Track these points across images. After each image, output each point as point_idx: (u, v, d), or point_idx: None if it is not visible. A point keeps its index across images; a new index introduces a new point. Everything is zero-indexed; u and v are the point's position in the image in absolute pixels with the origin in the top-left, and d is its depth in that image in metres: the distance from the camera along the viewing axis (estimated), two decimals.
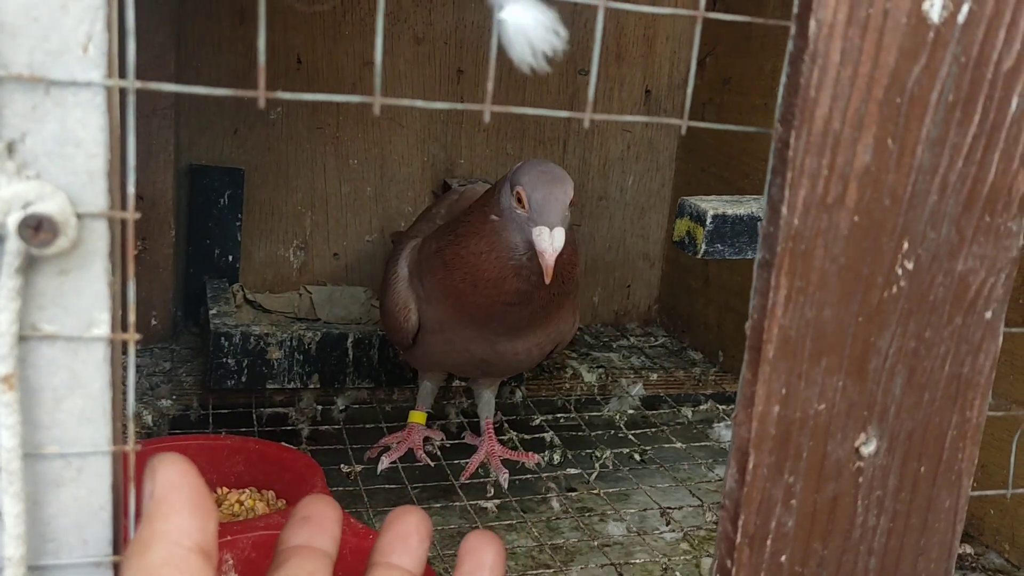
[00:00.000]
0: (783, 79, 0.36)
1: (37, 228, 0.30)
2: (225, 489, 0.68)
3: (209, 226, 1.07)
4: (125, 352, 0.32)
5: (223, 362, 0.90)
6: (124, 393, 0.33)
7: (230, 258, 1.08)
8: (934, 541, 0.42)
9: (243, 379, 0.91)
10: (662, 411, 1.01)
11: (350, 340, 0.94)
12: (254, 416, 0.89)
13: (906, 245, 0.37)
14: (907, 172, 0.37)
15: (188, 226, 1.07)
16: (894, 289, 0.38)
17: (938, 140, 0.37)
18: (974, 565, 0.75)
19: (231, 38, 1.04)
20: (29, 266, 0.30)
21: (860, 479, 0.40)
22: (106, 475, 0.33)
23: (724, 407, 1.01)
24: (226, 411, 0.90)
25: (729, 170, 1.08)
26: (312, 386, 0.93)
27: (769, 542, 0.39)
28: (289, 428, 0.88)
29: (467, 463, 0.85)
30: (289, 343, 0.92)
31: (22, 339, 0.31)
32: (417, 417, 0.89)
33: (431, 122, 1.13)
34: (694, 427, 0.98)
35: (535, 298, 0.73)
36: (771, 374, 0.37)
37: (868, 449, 0.39)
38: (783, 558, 0.39)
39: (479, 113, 1.18)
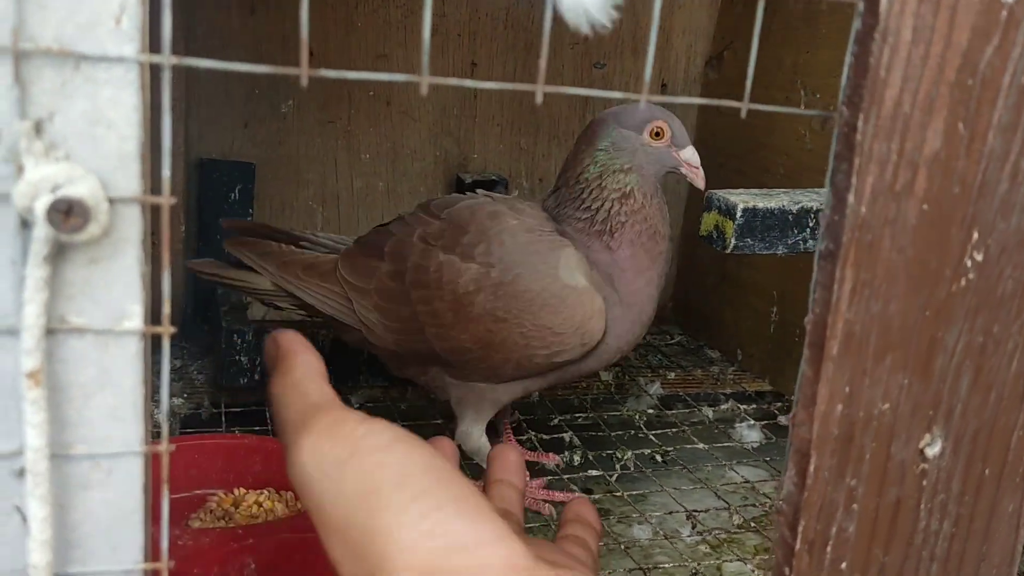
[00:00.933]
0: (848, 59, 0.34)
1: (67, 213, 0.28)
2: (243, 490, 0.66)
3: (220, 221, 1.05)
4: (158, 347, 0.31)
5: (235, 359, 0.88)
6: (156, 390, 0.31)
7: None
8: (996, 547, 0.40)
9: (256, 377, 0.89)
10: (681, 410, 1.00)
11: None
12: (267, 415, 0.87)
13: (975, 236, 0.36)
14: (977, 159, 0.35)
15: (199, 220, 1.05)
16: (962, 282, 0.36)
17: (1010, 125, 0.35)
18: None
19: (240, 30, 1.02)
20: (57, 254, 0.29)
21: (924, 482, 0.38)
22: (137, 477, 0.31)
23: (745, 407, 0.99)
24: (238, 409, 0.88)
25: (748, 164, 1.06)
26: None
27: (829, 548, 0.37)
28: None
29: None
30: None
31: (49, 332, 0.29)
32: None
33: (444, 116, 1.12)
34: (715, 427, 0.96)
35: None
36: (834, 372, 0.35)
37: (933, 451, 0.37)
38: (843, 565, 0.37)
39: (492, 107, 1.17)
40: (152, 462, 0.32)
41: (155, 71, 0.29)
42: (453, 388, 0.78)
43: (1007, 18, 0.34)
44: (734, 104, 0.35)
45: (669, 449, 0.90)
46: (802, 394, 0.36)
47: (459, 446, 0.57)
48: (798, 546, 0.36)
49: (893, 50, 0.33)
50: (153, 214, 0.30)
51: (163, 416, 0.31)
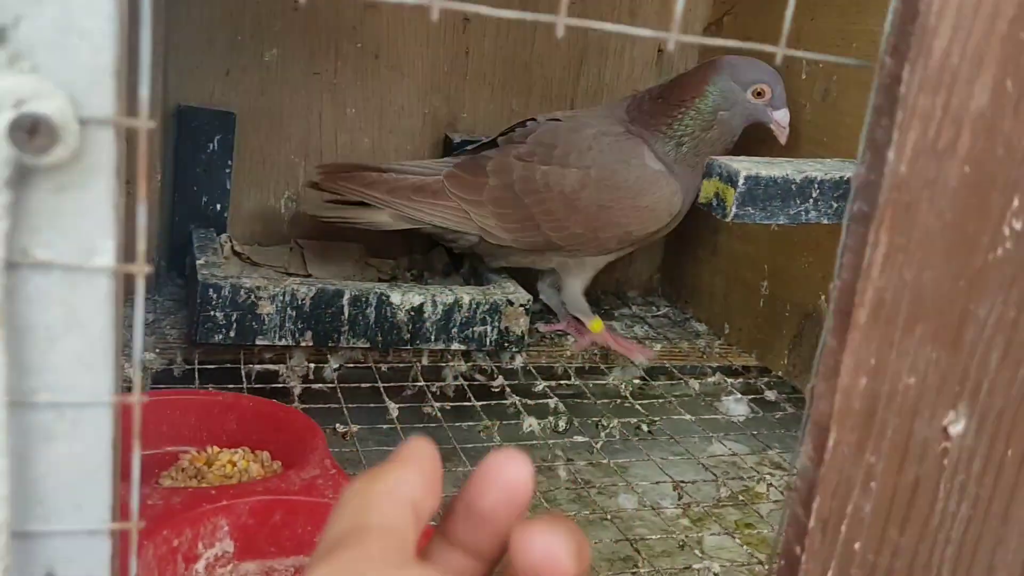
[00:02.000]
0: (893, 4, 0.31)
1: (32, 132, 0.24)
2: (216, 448, 0.64)
3: (197, 172, 1.01)
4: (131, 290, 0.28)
5: (211, 315, 0.85)
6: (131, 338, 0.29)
7: (218, 207, 1.03)
8: (1014, 531, 0.38)
9: (231, 334, 0.86)
10: (667, 382, 0.98)
11: (346, 297, 0.89)
12: (243, 373, 0.85)
13: (1016, 202, 0.33)
14: None
15: (175, 171, 1.01)
16: (999, 251, 0.34)
17: None
18: None
19: None
20: (21, 179, 0.25)
21: (945, 461, 0.36)
22: (105, 429, 0.28)
23: (731, 380, 0.97)
24: (212, 367, 0.85)
25: (746, 136, 1.03)
26: (304, 344, 0.88)
27: (844, 528, 0.35)
28: (279, 386, 0.84)
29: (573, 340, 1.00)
30: (282, 297, 0.87)
31: (11, 266, 0.26)
32: (598, 324, 0.99)
33: (434, 72, 1.08)
34: (702, 399, 0.94)
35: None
36: (861, 342, 0.33)
37: (956, 429, 0.35)
38: (857, 545, 0.35)
39: (485, 66, 1.13)
40: (122, 415, 0.29)
41: None
42: (560, 262, 0.97)
43: None
44: (771, 48, 0.32)
45: (655, 419, 0.89)
46: (824, 365, 0.34)
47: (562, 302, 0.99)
48: (811, 524, 0.34)
49: None
50: (128, 165, 0.27)
51: (136, 365, 0.28)
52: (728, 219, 0.68)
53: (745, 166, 0.68)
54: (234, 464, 0.62)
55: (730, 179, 0.68)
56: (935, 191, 0.32)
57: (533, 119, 0.98)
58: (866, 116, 0.32)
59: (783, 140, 0.92)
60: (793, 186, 0.67)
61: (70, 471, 0.28)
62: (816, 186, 0.68)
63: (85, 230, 0.26)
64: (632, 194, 0.91)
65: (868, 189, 0.32)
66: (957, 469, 0.36)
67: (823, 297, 0.91)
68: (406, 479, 0.29)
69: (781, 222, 0.68)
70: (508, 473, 0.29)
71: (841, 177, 0.68)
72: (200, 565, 0.50)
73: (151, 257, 0.99)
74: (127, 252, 0.27)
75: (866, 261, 0.32)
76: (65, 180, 0.26)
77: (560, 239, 0.94)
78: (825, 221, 0.69)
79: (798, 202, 0.68)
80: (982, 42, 0.31)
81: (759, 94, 0.91)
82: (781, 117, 0.92)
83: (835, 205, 0.68)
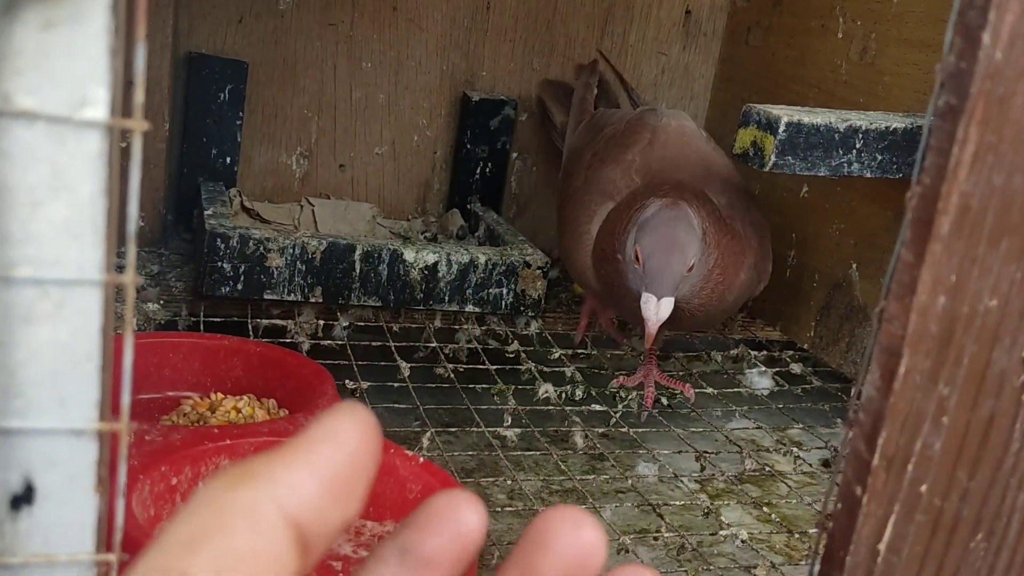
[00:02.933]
0: None
1: None
2: (220, 395, 0.60)
3: (207, 123, 0.98)
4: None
5: (218, 266, 0.82)
6: (126, 207, 0.25)
7: (228, 160, 0.99)
8: None
9: (239, 287, 0.83)
10: (689, 354, 0.94)
11: (358, 252, 0.86)
12: (249, 327, 0.81)
13: None
14: None
15: (184, 121, 0.97)
16: None
17: None
18: None
19: None
20: (5, 10, 0.22)
21: (1023, 397, 0.32)
22: (95, 313, 0.25)
23: (755, 353, 0.94)
24: (219, 320, 0.82)
25: (775, 98, 0.99)
26: (314, 300, 0.85)
27: (911, 467, 0.32)
28: (287, 341, 0.80)
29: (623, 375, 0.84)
30: (291, 251, 0.83)
31: None
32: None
33: (453, 27, 1.04)
34: (724, 371, 0.91)
35: (675, 320, 0.71)
36: (942, 255, 0.29)
37: None
38: (923, 487, 0.32)
39: (506, 22, 1.09)
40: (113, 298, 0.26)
41: None
42: None
43: None
44: None
45: (676, 393, 0.85)
46: (897, 282, 0.30)
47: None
48: (875, 462, 0.31)
49: None
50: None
51: (129, 238, 0.25)
52: (766, 168, 0.65)
53: (787, 112, 0.64)
54: (239, 411, 0.59)
55: (769, 126, 0.64)
56: None
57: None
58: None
59: (647, 342, 0.70)
60: (836, 135, 0.64)
61: (53, 360, 0.25)
62: (860, 136, 0.64)
63: (76, 75, 0.23)
64: (569, 233, 0.82)
65: (958, 79, 0.28)
66: None
67: (854, 265, 0.88)
68: (289, 484, 0.20)
69: (822, 173, 0.65)
70: (460, 515, 0.21)
71: (887, 127, 0.64)
72: None
73: (157, 219, 0.96)
74: (124, 105, 0.24)
75: (953, 161, 0.28)
76: (54, 15, 0.22)
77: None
78: (868, 175, 0.65)
79: (841, 152, 0.64)
80: None
81: (636, 257, 0.69)
82: (644, 305, 0.67)
83: (879, 158, 0.65)
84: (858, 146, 0.64)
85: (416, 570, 0.21)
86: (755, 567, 0.62)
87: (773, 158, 0.63)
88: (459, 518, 0.21)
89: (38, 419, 0.25)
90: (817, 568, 0.33)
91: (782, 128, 0.63)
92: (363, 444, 0.20)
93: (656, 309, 0.67)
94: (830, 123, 0.64)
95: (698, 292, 0.71)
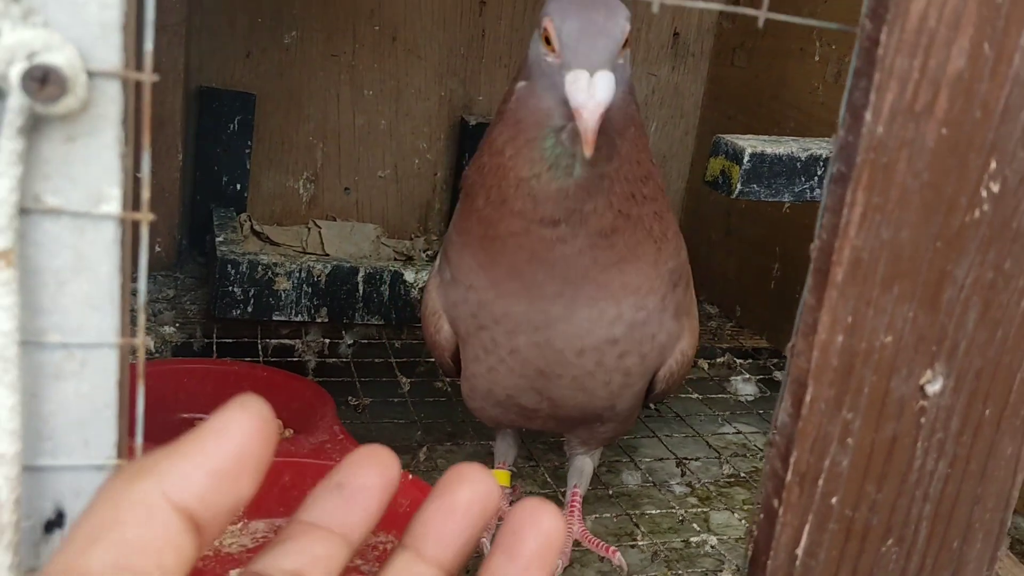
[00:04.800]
0: None
1: (43, 82, 0.26)
2: None
3: (218, 152, 1.03)
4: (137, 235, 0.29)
5: (229, 291, 0.87)
6: (135, 282, 0.30)
7: (238, 187, 1.05)
8: (991, 490, 0.39)
9: (249, 309, 0.88)
10: None
11: (361, 274, 0.91)
12: (259, 347, 0.87)
13: (993, 165, 0.34)
14: (1001, 82, 0.33)
15: (196, 151, 1.03)
16: (976, 213, 0.35)
17: None
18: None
19: None
20: (34, 129, 0.27)
21: (922, 419, 0.37)
22: (112, 370, 0.30)
23: (741, 361, 0.98)
24: (231, 341, 0.87)
25: (758, 119, 1.04)
26: (320, 320, 0.90)
27: (821, 482, 0.36)
28: (295, 360, 0.86)
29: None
30: (298, 274, 0.89)
31: (23, 212, 0.28)
32: (499, 477, 0.67)
33: (450, 55, 1.09)
34: (711, 380, 0.95)
35: (588, 212, 0.50)
36: (838, 300, 0.34)
37: (934, 388, 0.36)
38: (834, 500, 0.36)
39: (500, 48, 1.14)
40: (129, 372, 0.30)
41: None
42: None
43: None
44: (752, 12, 0.33)
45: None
46: (803, 322, 0.35)
47: None
48: (789, 478, 0.36)
49: None
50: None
51: (140, 306, 0.30)
52: (733, 196, 0.69)
53: (751, 143, 0.69)
54: None
55: (735, 156, 0.69)
56: (913, 152, 0.33)
57: None
58: (848, 80, 0.33)
59: (587, 145, 0.44)
60: (798, 164, 0.68)
61: (78, 409, 0.30)
62: (821, 164, 0.69)
63: (93, 178, 0.28)
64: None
65: (846, 150, 0.33)
66: (935, 427, 0.37)
67: None
68: (178, 475, 0.22)
69: (786, 200, 0.69)
70: (385, 459, 0.26)
71: None
72: None
73: (172, 243, 1.02)
74: (134, 201, 0.29)
75: (844, 220, 0.33)
76: (74, 131, 0.28)
77: None
78: None
79: (803, 180, 0.69)
80: (959, 5, 0.32)
81: (546, 40, 0.48)
82: (572, 87, 0.45)
83: None
84: (819, 173, 0.69)
85: (350, 500, 0.26)
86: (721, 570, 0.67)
87: (739, 186, 0.68)
88: (384, 462, 0.27)
89: (66, 458, 0.30)
90: (746, 571, 0.38)
91: (746, 158, 0.67)
92: (252, 436, 0.23)
93: (590, 87, 0.44)
94: (792, 152, 0.68)
95: (619, 119, 0.49)
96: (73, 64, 0.26)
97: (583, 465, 0.67)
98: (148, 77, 0.27)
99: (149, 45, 0.27)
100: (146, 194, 0.28)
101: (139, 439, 0.30)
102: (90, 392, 0.30)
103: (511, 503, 0.68)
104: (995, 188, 0.34)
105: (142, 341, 0.30)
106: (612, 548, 0.63)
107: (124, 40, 0.27)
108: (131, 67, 0.28)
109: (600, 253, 0.51)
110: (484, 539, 0.63)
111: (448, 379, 0.87)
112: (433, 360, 0.91)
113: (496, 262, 0.52)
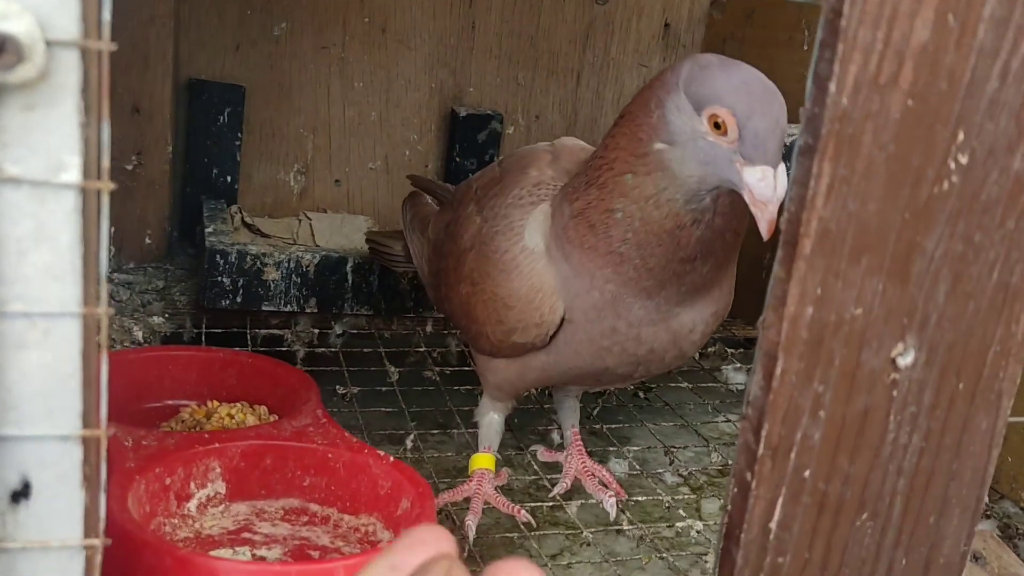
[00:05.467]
0: None
1: (0, 50, 0.26)
2: (216, 403, 0.66)
3: (208, 144, 1.03)
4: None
5: (218, 281, 0.87)
6: (98, 252, 0.30)
7: (228, 179, 1.05)
8: (967, 465, 0.39)
9: (238, 299, 0.88)
10: None
11: (350, 265, 0.91)
12: (248, 337, 0.87)
13: (961, 136, 0.34)
14: (967, 53, 0.33)
15: (186, 143, 1.03)
16: (945, 185, 0.35)
17: (1002, 20, 0.33)
18: (988, 513, 0.73)
19: None
20: None
21: (894, 392, 0.37)
22: (75, 339, 0.30)
23: (733, 351, 0.98)
24: (220, 331, 0.87)
25: None
26: (309, 310, 0.91)
27: (793, 455, 0.36)
28: (284, 350, 0.86)
29: (558, 480, 0.71)
30: (287, 264, 0.89)
31: None
32: (483, 461, 0.68)
33: (440, 46, 1.09)
34: (701, 368, 0.95)
35: (717, 248, 0.59)
36: (806, 272, 0.34)
37: (905, 360, 0.36)
38: (807, 473, 0.36)
39: (491, 39, 1.14)
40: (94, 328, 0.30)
41: None
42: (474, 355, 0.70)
43: None
44: None
45: (652, 387, 0.90)
46: (773, 296, 0.35)
47: None
48: (761, 451, 0.36)
49: None
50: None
51: (101, 279, 0.30)
52: None
53: None
54: (232, 417, 0.64)
55: None
56: (878, 124, 0.33)
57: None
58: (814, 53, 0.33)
59: (767, 232, 0.53)
60: (783, 149, 0.68)
61: (42, 379, 0.30)
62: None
63: (52, 147, 0.28)
64: (494, 273, 0.62)
65: (812, 122, 0.33)
66: (907, 401, 0.37)
67: None
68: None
69: None
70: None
71: None
72: (192, 504, 0.52)
73: (162, 235, 1.02)
74: (96, 169, 0.29)
75: (811, 192, 0.33)
76: (33, 99, 0.28)
77: (443, 312, 0.72)
78: None
79: (787, 165, 0.69)
80: None
81: (716, 125, 0.53)
82: (759, 184, 0.52)
83: None
84: None
85: None
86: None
87: None
88: (437, 543, 0.27)
89: (31, 427, 0.30)
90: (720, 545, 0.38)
91: None
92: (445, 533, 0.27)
93: (775, 184, 0.52)
94: None
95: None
96: (31, 33, 0.26)
97: (574, 405, 0.74)
98: (106, 46, 0.27)
99: (107, 15, 0.27)
100: (105, 162, 0.28)
101: (103, 410, 0.30)
102: (53, 362, 0.30)
103: (496, 488, 0.68)
104: (963, 160, 0.34)
105: (105, 310, 0.30)
106: (617, 486, 0.71)
107: (83, 10, 0.27)
108: (91, 36, 0.28)
109: (714, 272, 0.62)
110: (469, 521, 0.64)
111: (438, 368, 0.87)
112: (423, 350, 0.91)
113: (632, 288, 0.60)
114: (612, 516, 0.68)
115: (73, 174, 0.28)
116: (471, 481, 0.67)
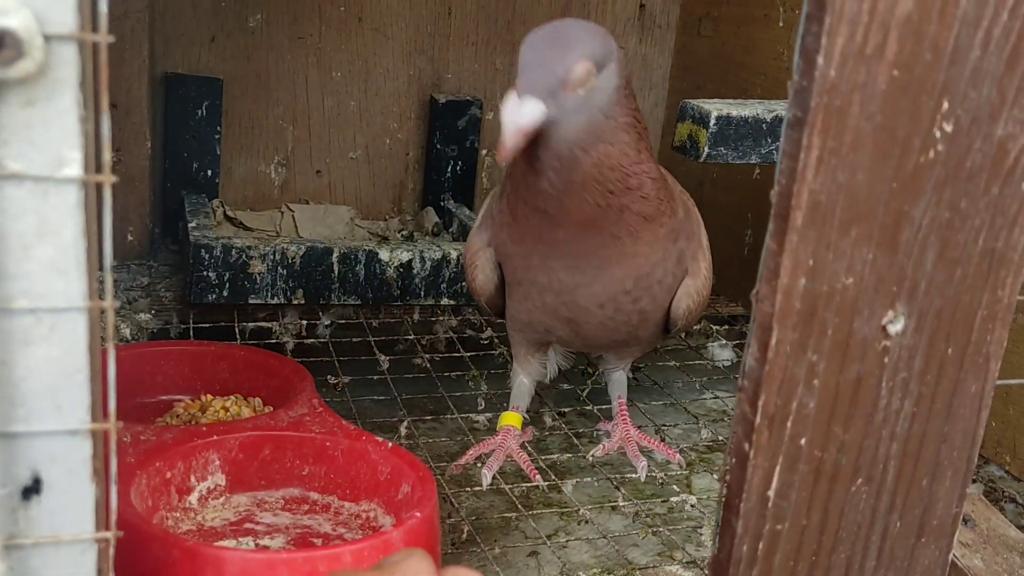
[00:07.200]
0: None
1: None
2: (210, 396, 0.66)
3: (187, 139, 1.03)
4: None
5: (203, 275, 0.87)
6: (101, 246, 0.30)
7: (209, 173, 1.05)
8: (958, 428, 0.40)
9: (224, 293, 0.88)
10: None
11: (335, 255, 0.91)
12: (236, 331, 0.87)
13: (946, 105, 0.35)
14: (950, 23, 0.34)
15: (164, 138, 1.02)
16: (931, 154, 0.35)
17: None
18: (974, 477, 0.74)
19: None
20: None
21: (886, 359, 0.38)
22: (81, 334, 0.30)
23: (718, 328, 0.99)
24: (207, 326, 0.87)
25: (726, 86, 1.05)
26: (296, 302, 0.90)
27: (789, 424, 0.37)
28: (273, 342, 0.86)
29: (600, 446, 0.76)
30: (272, 256, 0.89)
31: None
32: (511, 419, 0.74)
33: (417, 34, 1.09)
34: (687, 347, 0.96)
35: (568, 205, 0.59)
36: (798, 243, 0.35)
37: (895, 328, 0.37)
38: (803, 441, 0.37)
39: (468, 26, 1.14)
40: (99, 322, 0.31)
41: None
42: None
43: None
44: None
45: (641, 366, 0.90)
46: (765, 268, 0.36)
47: None
48: (758, 421, 0.36)
49: None
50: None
51: (106, 271, 0.30)
52: (701, 159, 0.70)
53: (717, 107, 0.69)
54: (227, 410, 0.64)
55: (702, 120, 0.69)
56: (865, 95, 0.34)
57: None
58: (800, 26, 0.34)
59: (499, 155, 0.54)
60: (764, 125, 0.69)
61: (50, 374, 0.30)
62: None
63: (53, 142, 0.28)
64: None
65: (801, 95, 0.33)
66: (898, 367, 0.38)
67: None
68: None
69: (754, 161, 0.70)
70: None
71: None
72: (193, 497, 0.52)
73: (145, 232, 1.01)
74: (97, 163, 0.29)
75: (801, 165, 0.34)
76: (33, 94, 0.28)
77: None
78: None
79: (769, 141, 0.70)
80: None
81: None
82: (503, 106, 0.53)
83: None
84: None
85: None
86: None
87: (707, 149, 0.68)
88: None
89: (40, 423, 0.30)
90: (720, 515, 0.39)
91: (713, 121, 0.68)
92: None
93: (514, 109, 0.52)
94: (758, 114, 0.69)
95: (583, 137, 0.56)
96: (29, 27, 0.26)
97: (620, 378, 0.79)
98: (104, 38, 0.27)
99: (104, 7, 0.27)
100: (106, 156, 0.28)
101: (112, 402, 0.31)
102: (60, 357, 0.30)
103: (521, 445, 0.73)
104: (948, 128, 0.35)
105: (111, 304, 0.30)
106: (670, 449, 0.77)
107: (80, 2, 0.27)
108: (89, 29, 0.28)
109: (592, 234, 0.61)
110: (486, 471, 0.69)
111: (427, 356, 0.88)
112: (411, 338, 0.91)
113: (527, 245, 0.64)
114: (642, 478, 0.73)
115: (74, 168, 0.28)
116: (497, 435, 0.73)
